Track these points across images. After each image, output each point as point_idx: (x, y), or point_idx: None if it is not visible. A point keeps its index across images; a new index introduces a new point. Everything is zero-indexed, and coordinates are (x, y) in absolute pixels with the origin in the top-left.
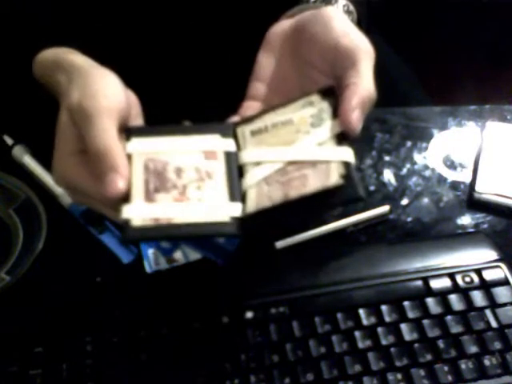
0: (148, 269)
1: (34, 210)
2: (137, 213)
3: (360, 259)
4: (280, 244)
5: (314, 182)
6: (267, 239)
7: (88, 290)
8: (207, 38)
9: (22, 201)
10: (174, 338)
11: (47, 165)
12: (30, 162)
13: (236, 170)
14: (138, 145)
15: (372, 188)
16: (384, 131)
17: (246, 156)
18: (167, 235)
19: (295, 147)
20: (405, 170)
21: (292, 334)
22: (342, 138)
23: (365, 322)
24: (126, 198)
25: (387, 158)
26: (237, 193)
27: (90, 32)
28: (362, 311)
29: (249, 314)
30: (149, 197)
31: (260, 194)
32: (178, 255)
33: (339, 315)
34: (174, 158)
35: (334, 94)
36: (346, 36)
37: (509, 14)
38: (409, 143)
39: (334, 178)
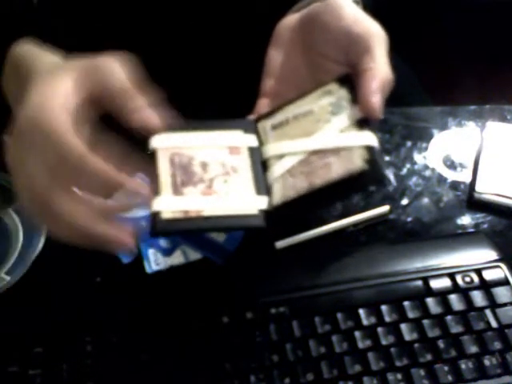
0: (148, 269)
1: None
2: (166, 205)
3: (360, 259)
4: (280, 244)
5: (338, 169)
6: (267, 239)
7: (88, 290)
8: (215, 35)
9: None
10: (174, 337)
11: None
12: None
13: (260, 165)
14: (161, 140)
15: (372, 188)
16: (384, 131)
17: (269, 150)
18: (197, 228)
19: (317, 137)
20: (405, 170)
21: (292, 334)
22: (363, 123)
23: (365, 321)
24: (155, 191)
25: (387, 158)
26: (262, 186)
27: (95, 30)
28: (361, 311)
29: (249, 314)
30: (177, 190)
31: (285, 186)
32: (177, 255)
33: (339, 315)
34: (198, 152)
35: (351, 81)
36: (357, 23)
37: (509, 14)
38: (409, 143)
39: (357, 163)
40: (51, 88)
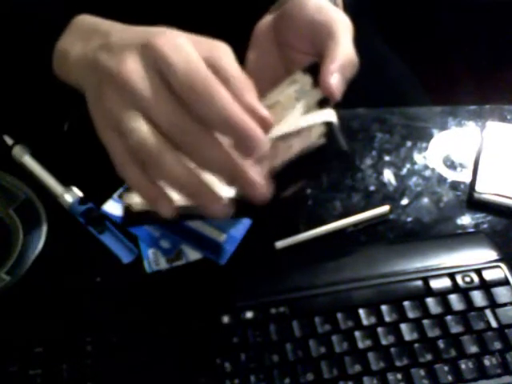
0: (148, 269)
1: (34, 210)
2: (137, 199)
3: (360, 259)
4: (280, 244)
5: (297, 147)
6: (267, 239)
7: (88, 290)
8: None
9: (21, 201)
10: (174, 337)
11: (47, 165)
12: (30, 161)
13: None
14: None
15: (372, 188)
16: (384, 131)
17: None
18: (159, 217)
19: (282, 123)
20: (405, 170)
21: (292, 334)
22: (324, 102)
23: (365, 322)
24: (127, 188)
25: (387, 158)
26: None
27: None
28: (361, 311)
29: (249, 314)
30: None
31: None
32: (177, 255)
33: (339, 315)
34: None
35: (315, 68)
36: (320, 11)
37: (509, 14)
38: (409, 143)
39: (314, 137)
40: None
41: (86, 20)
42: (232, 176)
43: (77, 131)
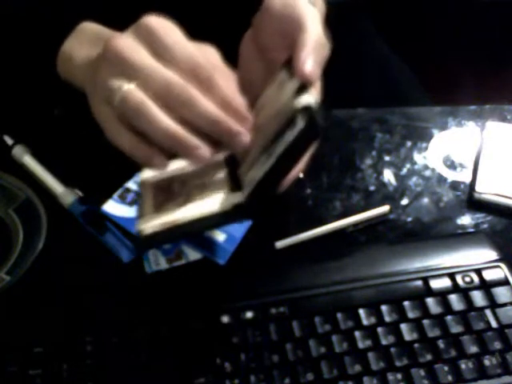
0: (148, 269)
1: (34, 210)
2: (147, 223)
3: (360, 259)
4: (280, 244)
5: (286, 137)
6: (267, 239)
7: (88, 290)
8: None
9: (22, 201)
10: (174, 337)
11: (47, 165)
12: (30, 161)
13: (234, 167)
14: (147, 175)
15: (372, 188)
16: (384, 131)
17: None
18: (177, 234)
19: (269, 119)
20: (405, 170)
21: (292, 334)
22: (302, 88)
23: (365, 322)
24: (139, 214)
25: (387, 158)
26: (236, 184)
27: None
28: (361, 311)
29: (249, 314)
30: (158, 208)
31: (251, 175)
32: (177, 255)
33: (339, 315)
34: (178, 172)
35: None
36: (285, 6)
37: (509, 14)
38: (409, 143)
39: (297, 126)
40: None
41: (90, 26)
42: (218, 128)
43: (77, 131)
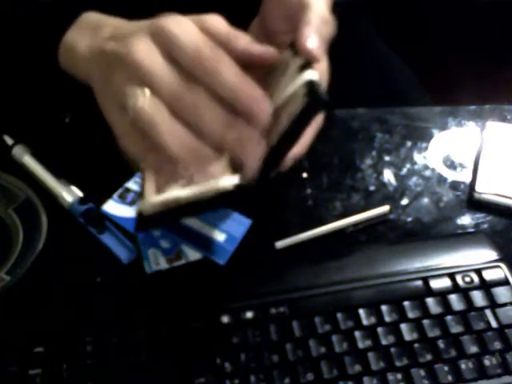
0: (148, 269)
1: (34, 210)
2: (148, 204)
3: (360, 259)
4: (280, 244)
5: (289, 114)
6: (267, 239)
7: (88, 290)
8: None
9: (22, 201)
10: (174, 337)
11: (47, 165)
12: (30, 161)
13: None
14: None
15: (372, 188)
16: (384, 131)
17: None
18: (176, 213)
19: (273, 100)
20: (405, 170)
21: (292, 334)
22: (305, 66)
23: (365, 322)
24: (140, 195)
25: (387, 158)
26: (238, 166)
27: None
28: (362, 311)
29: (249, 314)
30: (159, 189)
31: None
32: (177, 255)
33: (339, 315)
34: None
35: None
36: None
37: (509, 14)
38: (409, 143)
39: (300, 101)
40: None
41: (92, 16)
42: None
43: (78, 131)
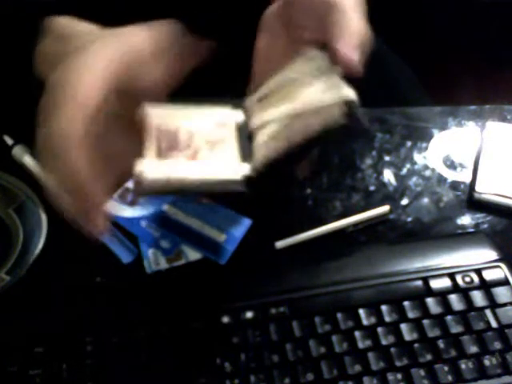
0: (148, 269)
1: (34, 210)
2: (149, 167)
3: (360, 259)
4: (280, 244)
5: (317, 124)
6: (267, 239)
7: (88, 290)
8: (207, 24)
9: (21, 201)
10: (174, 337)
11: None
12: (30, 162)
13: (246, 137)
14: (150, 110)
15: (372, 188)
16: (384, 131)
17: (254, 122)
18: (179, 189)
19: (298, 100)
20: (405, 170)
21: (292, 334)
22: (342, 79)
23: (365, 322)
24: (139, 154)
25: (387, 158)
26: (247, 155)
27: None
28: (361, 311)
29: (249, 314)
30: (161, 153)
31: (267, 150)
32: (177, 255)
33: (339, 315)
34: (185, 123)
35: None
36: None
37: (509, 14)
38: (409, 143)
39: (335, 117)
40: (81, 71)
41: (58, 22)
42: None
43: None
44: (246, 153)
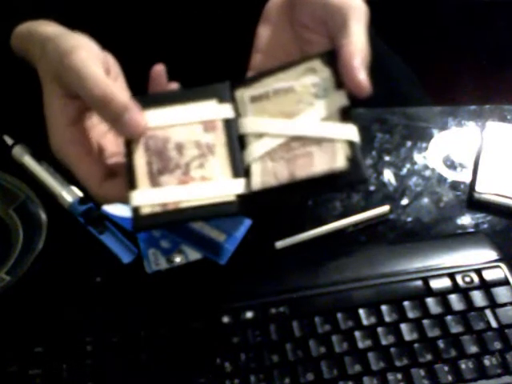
0: (148, 269)
1: (33, 210)
2: (145, 199)
3: (360, 259)
4: (280, 244)
5: (320, 163)
6: (267, 239)
7: (88, 290)
8: (208, 14)
9: (21, 201)
10: (174, 337)
11: (47, 165)
12: (30, 162)
13: (237, 141)
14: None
15: (372, 188)
16: (384, 131)
17: (248, 126)
18: (175, 220)
19: (299, 121)
20: (405, 170)
21: (292, 334)
22: (346, 112)
23: (365, 322)
24: (131, 183)
25: (387, 158)
26: (240, 168)
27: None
28: (361, 311)
29: (249, 314)
30: (154, 181)
31: (265, 170)
32: (177, 255)
33: (339, 315)
34: (172, 132)
35: (335, 59)
36: None
37: (509, 14)
38: (409, 143)
39: (340, 160)
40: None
41: (23, 29)
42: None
43: None
44: (239, 165)
